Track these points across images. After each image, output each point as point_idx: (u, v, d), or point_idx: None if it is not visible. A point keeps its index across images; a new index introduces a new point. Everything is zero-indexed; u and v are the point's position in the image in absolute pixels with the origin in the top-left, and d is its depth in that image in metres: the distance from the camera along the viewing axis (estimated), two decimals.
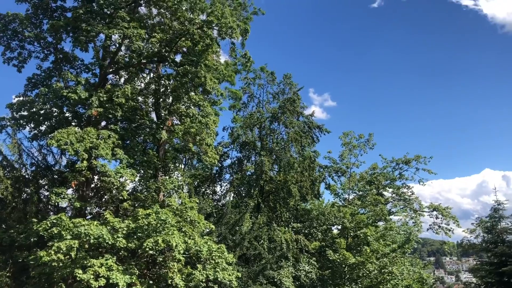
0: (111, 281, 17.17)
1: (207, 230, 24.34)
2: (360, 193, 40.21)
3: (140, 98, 24.11)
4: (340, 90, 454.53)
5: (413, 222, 38.57)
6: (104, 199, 23.49)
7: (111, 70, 23.20)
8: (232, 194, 36.02)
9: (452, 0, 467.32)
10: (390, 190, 41.57)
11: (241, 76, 34.79)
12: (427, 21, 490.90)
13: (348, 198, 40.25)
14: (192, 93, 23.04)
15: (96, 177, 22.04)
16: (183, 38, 22.81)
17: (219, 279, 19.75)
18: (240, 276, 21.84)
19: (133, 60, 22.68)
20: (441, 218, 39.55)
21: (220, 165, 34.87)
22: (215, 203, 34.68)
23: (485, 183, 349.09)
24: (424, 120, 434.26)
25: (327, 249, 33.29)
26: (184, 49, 23.73)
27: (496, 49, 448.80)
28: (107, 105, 20.53)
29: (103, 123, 22.52)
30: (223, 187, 36.32)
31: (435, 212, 39.56)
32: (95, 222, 18.35)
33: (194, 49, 22.71)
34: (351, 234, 35.46)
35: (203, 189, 35.36)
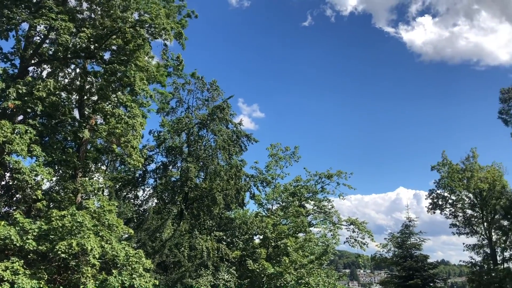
0: (16, 286, 16.04)
1: (126, 235, 23.59)
2: (283, 204, 41.02)
3: (63, 94, 22.96)
4: (268, 102, 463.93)
5: (331, 235, 39.88)
6: (15, 198, 22.05)
7: (33, 62, 21.94)
8: (155, 200, 35.21)
9: (375, 26, 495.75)
10: (312, 202, 42.79)
11: (171, 81, 34.32)
12: (352, 43, 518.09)
13: (272, 208, 40.94)
14: (120, 93, 22.36)
15: (8, 174, 20.64)
16: (114, 36, 22.15)
17: (135, 286, 19.12)
18: (157, 283, 21.31)
19: (59, 53, 21.56)
20: (358, 232, 41.28)
21: (144, 169, 34.00)
22: (136, 208, 33.71)
23: (399, 201, 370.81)
24: (347, 138, 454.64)
25: (247, 258, 33.55)
26: (115, 47, 23.02)
27: (413, 77, 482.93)
28: (26, 98, 19.31)
29: (20, 117, 21.17)
30: (146, 192, 35.41)
31: (352, 226, 41.22)
32: (3, 222, 17.11)
33: (125, 48, 22.11)
34: (272, 244, 36.06)
35: (125, 193, 34.22)
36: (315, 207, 42.61)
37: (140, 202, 34.95)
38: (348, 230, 41.69)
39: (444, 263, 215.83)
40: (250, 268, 32.02)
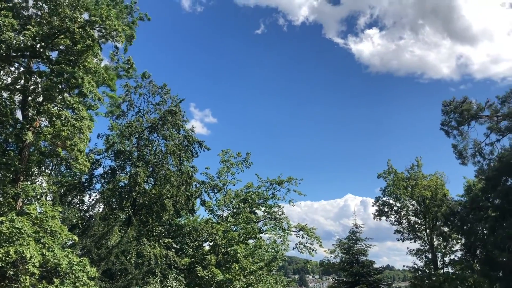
0: None
1: (70, 242, 22.68)
2: (235, 210, 40.94)
3: (4, 94, 21.87)
4: (221, 107, 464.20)
5: (281, 241, 40.19)
6: None
7: None
8: (102, 205, 34.12)
9: (325, 37, 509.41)
10: (263, 208, 42.97)
11: (122, 83, 33.52)
12: (304, 52, 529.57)
13: (222, 215, 40.74)
14: (67, 95, 21.55)
15: None
16: (62, 36, 21.37)
17: None
18: None
19: (1, 51, 20.53)
20: (307, 238, 41.84)
21: (91, 173, 32.92)
22: (82, 213, 32.50)
23: (347, 207, 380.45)
24: (298, 145, 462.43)
25: (197, 265, 33.19)
26: (62, 47, 22.20)
27: (361, 87, 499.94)
28: None
29: None
30: (92, 197, 34.24)
31: (301, 232, 41.74)
32: None
33: (74, 48, 21.36)
34: (222, 251, 35.87)
35: (70, 198, 32.90)
36: (266, 214, 42.80)
37: (86, 207, 33.71)
38: (297, 236, 42.16)
39: (389, 268, 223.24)
40: (199, 275, 31.67)
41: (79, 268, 18.61)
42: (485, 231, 32.75)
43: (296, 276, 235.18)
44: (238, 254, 32.77)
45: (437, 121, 33.43)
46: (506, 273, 29.13)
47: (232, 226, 37.88)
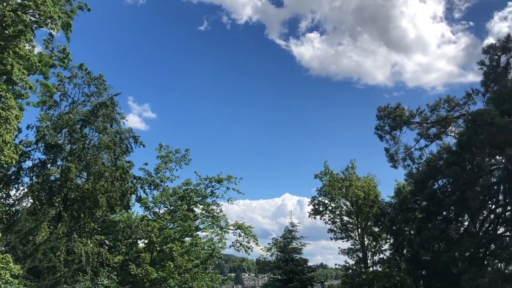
0: None
1: None
2: (172, 207, 40.28)
3: None
4: (161, 102, 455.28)
5: (218, 239, 40.10)
6: None
7: None
8: (30, 200, 32.35)
9: (268, 37, 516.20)
10: (201, 206, 42.61)
11: (55, 72, 31.68)
12: (246, 51, 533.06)
13: (159, 212, 39.97)
14: None
15: None
16: None
17: None
18: None
19: None
20: (244, 236, 42.03)
21: (19, 166, 31.10)
22: (7, 208, 30.65)
23: (284, 206, 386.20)
24: (238, 144, 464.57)
25: (130, 263, 32.40)
26: None
27: (301, 89, 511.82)
28: None
29: None
30: (19, 191, 32.32)
31: (238, 230, 41.82)
32: None
33: (4, 32, 20.11)
34: (157, 248, 35.25)
35: None
36: (204, 211, 42.49)
37: (12, 201, 31.83)
38: (234, 235, 42.21)
39: (323, 267, 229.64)
40: (132, 273, 30.95)
41: (1, 265, 17.62)
42: (412, 232, 34.46)
43: (232, 274, 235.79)
44: (174, 252, 32.37)
45: (372, 126, 34.81)
46: (429, 272, 30.83)
47: (168, 224, 37.29)
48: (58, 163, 32.41)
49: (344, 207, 48.59)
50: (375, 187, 47.41)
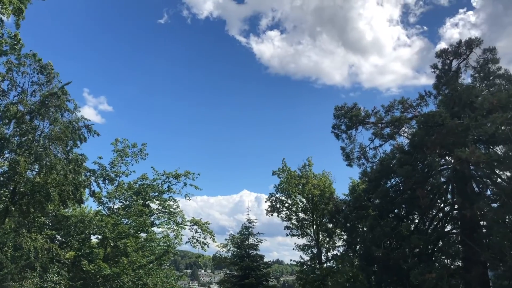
0: None
1: None
2: (127, 202, 39.55)
3: None
4: (118, 95, 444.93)
5: (174, 235, 39.71)
6: None
7: None
8: None
9: (228, 33, 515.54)
10: (157, 202, 42.06)
11: (3, 61, 30.00)
12: (206, 47, 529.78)
13: (113, 207, 39.14)
14: None
15: None
16: None
17: None
18: None
19: None
20: (200, 232, 41.85)
21: None
22: None
23: (242, 203, 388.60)
24: (196, 139, 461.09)
25: (82, 259, 31.59)
26: None
27: (261, 87, 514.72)
28: None
29: None
30: None
31: (195, 227, 41.58)
32: None
33: None
34: (111, 244, 34.53)
35: None
36: (160, 207, 41.95)
37: None
38: (191, 231, 41.94)
39: (279, 263, 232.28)
40: (85, 269, 30.20)
41: None
42: (365, 229, 35.34)
43: (188, 271, 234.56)
44: (128, 248, 31.84)
45: (329, 125, 35.36)
46: (381, 268, 31.75)
47: (123, 219, 36.57)
48: (6, 156, 30.92)
49: (300, 204, 49.22)
50: (330, 184, 48.32)
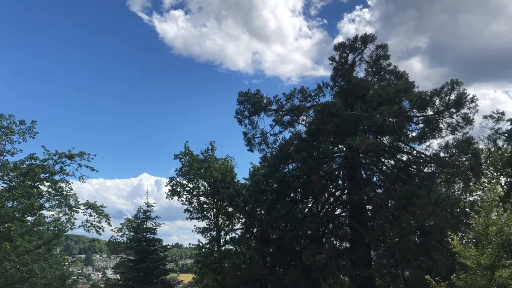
0: None
1: None
2: (12, 184, 36.44)
3: None
4: (6, 68, 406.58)
5: (66, 219, 37.54)
6: None
7: None
8: None
9: (130, 9, 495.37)
10: (48, 184, 39.36)
11: None
12: (106, 22, 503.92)
13: None
14: None
15: None
16: None
17: None
18: None
19: None
20: (95, 216, 40.07)
21: None
22: None
23: (141, 186, 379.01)
24: (93, 119, 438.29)
25: None
26: None
27: (163, 67, 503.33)
28: None
29: None
30: None
31: (89, 210, 39.69)
32: None
33: None
34: None
35: None
36: (51, 189, 39.36)
37: None
38: (85, 214, 40.01)
39: (178, 246, 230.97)
40: None
41: None
42: (263, 212, 36.40)
43: (83, 256, 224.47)
44: (12, 232, 29.45)
45: (233, 110, 35.58)
46: (276, 249, 33.01)
47: (7, 201, 33.66)
48: None
49: (202, 188, 49.23)
50: (232, 169, 48.89)
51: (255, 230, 37.60)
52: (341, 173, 34.05)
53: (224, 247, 46.08)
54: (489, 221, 15.15)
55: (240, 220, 45.09)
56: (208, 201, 49.09)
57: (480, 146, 31.65)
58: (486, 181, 19.82)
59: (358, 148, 28.75)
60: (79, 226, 39.82)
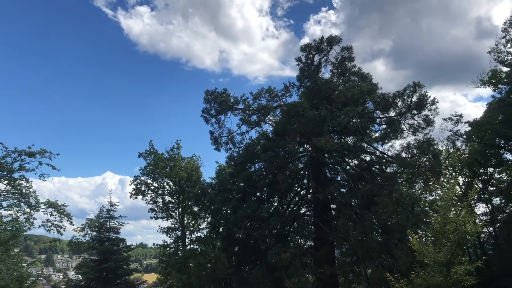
0: None
1: None
2: None
3: None
4: None
5: (25, 218, 36.33)
6: None
7: None
8: None
9: (94, 4, 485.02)
10: (5, 182, 37.96)
11: None
12: (68, 16, 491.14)
13: None
14: None
15: None
16: None
17: None
18: None
19: None
20: (56, 215, 38.93)
21: None
22: None
23: (104, 185, 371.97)
24: (55, 114, 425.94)
25: None
26: None
27: (128, 64, 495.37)
28: None
29: None
30: None
31: (50, 209, 38.52)
32: None
33: None
34: None
35: None
36: (9, 187, 37.95)
37: None
38: (45, 214, 38.77)
39: (142, 246, 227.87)
40: None
41: None
42: (229, 211, 36.35)
43: (43, 256, 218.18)
44: None
45: (199, 108, 35.35)
46: (241, 248, 33.03)
47: None
48: None
49: (167, 187, 48.78)
50: (198, 168, 48.67)
51: (220, 229, 37.51)
52: (307, 173, 34.40)
53: (189, 247, 45.80)
54: (446, 219, 15.70)
55: (206, 219, 44.93)
56: (173, 201, 48.67)
57: (440, 147, 32.74)
58: (445, 181, 20.52)
59: (323, 148, 29.13)
60: (39, 226, 38.53)
